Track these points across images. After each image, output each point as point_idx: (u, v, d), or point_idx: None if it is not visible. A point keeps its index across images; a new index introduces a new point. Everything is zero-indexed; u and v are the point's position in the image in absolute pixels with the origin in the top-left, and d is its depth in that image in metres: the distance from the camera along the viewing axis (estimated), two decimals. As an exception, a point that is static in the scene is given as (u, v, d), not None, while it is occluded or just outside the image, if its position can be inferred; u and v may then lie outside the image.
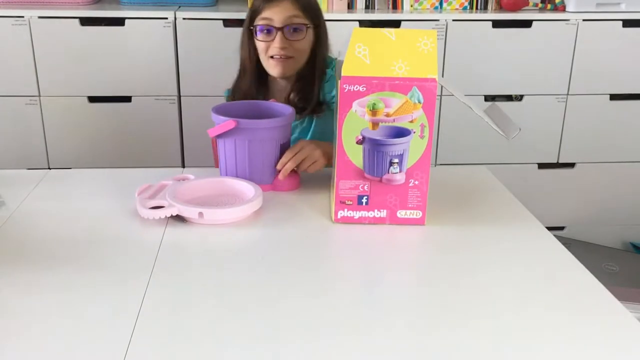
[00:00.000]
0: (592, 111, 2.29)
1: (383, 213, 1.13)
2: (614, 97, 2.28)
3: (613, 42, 2.21)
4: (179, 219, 1.12)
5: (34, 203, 1.20)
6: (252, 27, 1.49)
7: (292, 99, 1.50)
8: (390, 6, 2.25)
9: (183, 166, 2.19)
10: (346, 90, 1.06)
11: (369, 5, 2.25)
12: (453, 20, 2.14)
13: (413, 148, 1.09)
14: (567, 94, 2.26)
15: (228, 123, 1.20)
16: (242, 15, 2.08)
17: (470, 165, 1.74)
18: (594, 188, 2.38)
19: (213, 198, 1.19)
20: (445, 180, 1.34)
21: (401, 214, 1.13)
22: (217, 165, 1.59)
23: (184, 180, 1.24)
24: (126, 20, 2.06)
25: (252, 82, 1.53)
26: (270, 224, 1.13)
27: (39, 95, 2.11)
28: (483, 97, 2.20)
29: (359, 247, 1.07)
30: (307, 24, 1.48)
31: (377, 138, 1.09)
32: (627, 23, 2.20)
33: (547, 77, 2.23)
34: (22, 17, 2.03)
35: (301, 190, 1.28)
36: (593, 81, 2.25)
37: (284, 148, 1.29)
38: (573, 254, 1.03)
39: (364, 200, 1.12)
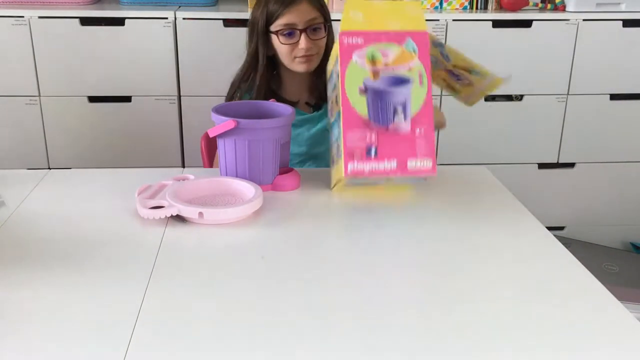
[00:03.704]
0: (592, 111, 2.29)
1: (393, 164, 1.12)
2: (614, 97, 2.28)
3: (613, 42, 2.21)
4: (179, 219, 1.12)
5: (34, 203, 1.20)
6: (271, 32, 1.52)
7: (315, 94, 1.58)
8: (390, 6, 2.25)
9: (183, 166, 2.19)
10: (345, 42, 1.13)
11: (369, 5, 2.25)
12: (453, 20, 2.14)
13: (415, 96, 1.13)
14: (567, 94, 2.26)
15: (228, 123, 1.20)
16: (242, 15, 2.10)
17: (470, 165, 1.74)
18: (594, 188, 2.38)
19: (213, 198, 1.19)
20: (445, 180, 1.34)
21: (411, 164, 1.12)
22: (205, 165, 1.61)
23: (184, 180, 1.24)
24: (126, 20, 2.06)
25: (266, 80, 1.56)
26: (270, 224, 1.13)
27: (39, 95, 2.11)
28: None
29: (360, 247, 1.07)
30: (324, 22, 1.54)
31: (380, 87, 1.13)
32: (627, 23, 2.20)
33: (547, 77, 2.23)
34: (22, 17, 2.03)
35: (301, 190, 1.28)
36: (593, 81, 2.25)
37: (284, 148, 1.29)
38: (573, 254, 1.03)
39: (372, 152, 1.12)
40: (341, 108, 1.13)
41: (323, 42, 1.55)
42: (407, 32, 1.14)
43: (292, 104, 1.58)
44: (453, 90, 1.41)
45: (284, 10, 1.50)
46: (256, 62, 1.57)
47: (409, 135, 1.12)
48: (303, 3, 1.51)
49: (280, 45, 1.52)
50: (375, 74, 1.13)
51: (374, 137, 1.12)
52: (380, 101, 1.12)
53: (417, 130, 1.13)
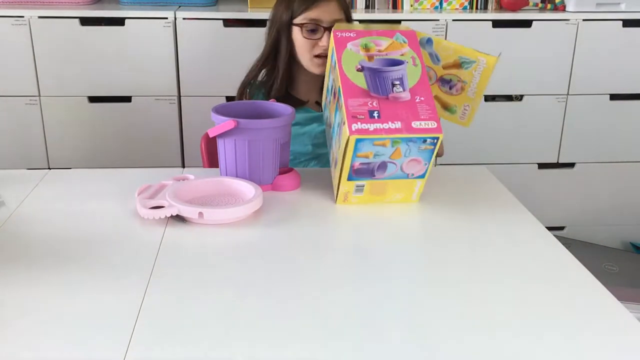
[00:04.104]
0: (592, 111, 2.29)
1: (398, 124, 1.12)
2: (614, 97, 2.28)
3: (613, 42, 2.21)
4: (179, 219, 1.12)
5: (34, 203, 1.20)
6: (295, 24, 1.52)
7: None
8: (390, 6, 2.25)
9: (183, 166, 2.19)
10: (339, 35, 1.22)
11: (369, 5, 2.25)
12: (453, 20, 2.14)
13: (410, 74, 1.18)
14: (567, 94, 2.26)
15: (228, 123, 1.20)
16: (242, 15, 2.10)
17: (470, 165, 1.74)
18: (594, 188, 2.38)
19: (213, 198, 1.19)
20: (445, 180, 1.34)
21: (416, 124, 1.13)
22: (205, 165, 1.61)
23: (184, 180, 1.24)
24: (126, 20, 2.06)
25: (288, 72, 1.57)
26: (270, 224, 1.13)
27: (39, 95, 2.11)
28: (483, 96, 2.19)
29: (360, 247, 1.07)
30: None
31: (376, 66, 1.18)
32: (627, 23, 2.20)
33: (547, 77, 2.23)
34: (22, 17, 2.03)
35: (301, 190, 1.28)
36: (593, 81, 2.25)
37: (284, 148, 1.29)
38: (573, 254, 1.03)
39: (375, 115, 1.13)
40: (340, 84, 1.16)
41: None
42: (395, 30, 1.23)
43: (302, 103, 1.58)
44: (447, 110, 1.39)
45: (312, 5, 1.50)
46: (275, 56, 1.56)
47: (410, 102, 1.15)
48: (332, 1, 1.51)
49: (301, 39, 1.52)
50: (370, 58, 1.19)
51: (375, 103, 1.14)
52: (378, 77, 1.17)
53: (417, 98, 1.16)
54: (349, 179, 1.17)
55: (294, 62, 1.57)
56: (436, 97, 1.35)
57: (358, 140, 1.11)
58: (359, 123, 1.11)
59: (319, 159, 1.58)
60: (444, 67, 1.32)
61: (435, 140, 1.13)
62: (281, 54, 1.55)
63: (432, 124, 1.12)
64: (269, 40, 1.58)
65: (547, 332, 0.82)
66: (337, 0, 1.52)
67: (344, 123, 1.13)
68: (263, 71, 1.60)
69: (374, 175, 1.17)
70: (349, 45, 1.20)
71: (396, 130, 1.11)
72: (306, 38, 1.51)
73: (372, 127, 1.11)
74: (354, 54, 1.19)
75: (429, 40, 1.30)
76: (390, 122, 1.12)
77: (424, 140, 1.13)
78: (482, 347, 0.79)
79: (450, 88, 1.34)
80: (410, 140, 1.12)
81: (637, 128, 2.33)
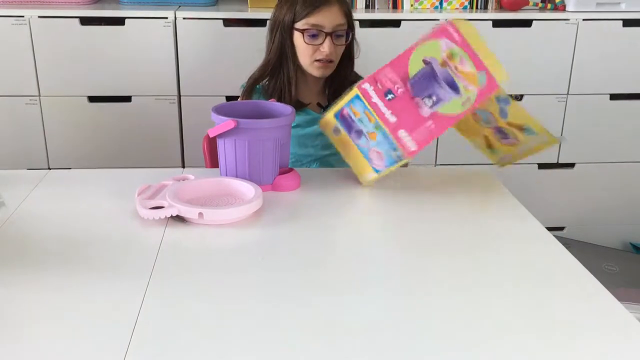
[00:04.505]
0: (592, 111, 2.29)
1: (393, 119, 1.20)
2: (614, 97, 2.28)
3: (613, 42, 2.21)
4: (179, 219, 1.12)
5: (34, 203, 1.20)
6: (296, 29, 1.51)
7: (326, 96, 1.60)
8: (391, 6, 2.25)
9: (183, 166, 2.19)
10: (448, 29, 1.18)
11: (369, 5, 2.25)
12: (453, 20, 2.13)
13: (449, 105, 1.18)
14: (567, 94, 2.26)
15: (228, 123, 1.20)
16: (242, 15, 2.10)
17: (470, 165, 1.74)
18: (594, 188, 2.38)
19: (213, 198, 1.19)
20: (445, 180, 1.34)
21: (402, 134, 1.20)
22: (207, 166, 1.61)
23: (184, 180, 1.24)
24: (126, 20, 2.06)
25: (290, 81, 1.55)
26: (270, 224, 1.13)
27: (39, 95, 2.11)
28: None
29: (360, 247, 1.07)
30: (349, 30, 1.54)
31: (435, 72, 1.18)
32: (627, 23, 2.20)
33: (547, 77, 2.23)
34: (22, 17, 2.03)
35: (301, 190, 1.28)
36: (593, 81, 2.25)
37: (284, 148, 1.29)
38: (573, 254, 1.03)
39: (389, 96, 1.20)
40: (401, 54, 1.20)
41: (342, 49, 1.54)
42: (488, 69, 1.17)
43: (303, 105, 1.58)
44: (490, 149, 1.38)
45: (314, 10, 1.49)
46: (281, 59, 1.55)
47: (422, 118, 1.18)
48: (334, 6, 1.50)
49: (302, 44, 1.51)
50: (443, 64, 1.18)
51: (401, 90, 1.18)
52: (426, 81, 1.18)
53: (430, 123, 1.18)
54: (335, 115, 1.27)
55: (295, 64, 1.56)
56: (485, 137, 1.36)
57: (357, 96, 1.21)
58: (371, 87, 1.19)
59: (321, 161, 1.58)
60: (508, 124, 1.31)
61: (402, 158, 1.21)
62: (288, 59, 1.54)
63: (412, 146, 1.19)
64: (273, 44, 1.55)
65: (547, 332, 0.82)
66: (340, 5, 1.51)
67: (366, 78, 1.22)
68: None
69: (350, 133, 1.26)
70: (444, 40, 1.18)
71: (385, 120, 1.19)
72: (308, 44, 1.50)
73: (376, 99, 1.19)
74: (438, 49, 1.18)
75: (506, 101, 1.29)
76: (389, 112, 1.17)
77: (394, 149, 1.20)
78: (482, 347, 0.79)
79: (503, 138, 1.33)
80: (387, 137, 1.20)
81: (637, 128, 2.33)
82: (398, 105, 1.19)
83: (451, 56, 1.18)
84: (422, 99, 1.18)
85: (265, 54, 1.59)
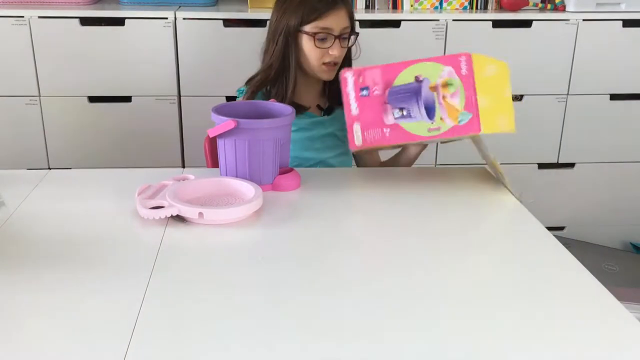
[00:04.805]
0: (592, 111, 2.29)
1: (355, 110, 1.24)
2: (614, 97, 2.28)
3: (613, 42, 2.21)
4: (179, 219, 1.12)
5: (34, 203, 1.20)
6: (305, 32, 1.50)
7: (327, 99, 1.62)
8: (390, 6, 2.25)
9: (183, 166, 2.19)
10: (462, 57, 1.19)
11: (369, 5, 2.25)
12: (453, 20, 2.14)
13: (414, 125, 1.20)
14: (567, 94, 2.26)
15: (228, 123, 1.20)
16: (242, 15, 2.10)
17: (470, 165, 1.74)
18: (594, 188, 2.38)
19: (213, 198, 1.19)
20: (445, 181, 1.34)
21: (356, 127, 1.24)
22: (209, 165, 1.60)
23: (184, 180, 1.24)
24: (126, 20, 2.06)
25: (293, 85, 1.55)
26: (270, 224, 1.13)
27: (39, 95, 2.11)
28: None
29: (360, 247, 1.07)
30: (354, 33, 1.55)
31: (417, 89, 1.19)
32: (627, 23, 2.20)
33: (547, 77, 2.23)
34: (22, 17, 2.03)
35: (301, 190, 1.28)
36: (593, 81, 2.25)
37: (284, 148, 1.29)
38: (573, 254, 1.03)
39: (364, 92, 1.23)
40: (399, 61, 1.21)
41: (345, 51, 1.55)
42: (479, 114, 1.19)
43: (304, 108, 1.57)
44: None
45: (324, 14, 1.48)
46: (284, 64, 1.53)
47: (382, 121, 1.22)
48: (342, 10, 1.50)
49: (310, 47, 1.50)
50: (433, 88, 1.19)
51: (377, 92, 1.21)
52: (407, 94, 1.20)
53: (387, 129, 1.22)
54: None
55: (298, 68, 1.55)
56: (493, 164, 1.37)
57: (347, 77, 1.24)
58: (352, 78, 1.23)
59: (323, 163, 1.58)
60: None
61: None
62: (291, 63, 1.53)
63: (358, 141, 1.24)
64: (276, 47, 1.53)
65: (547, 332, 0.82)
66: (347, 9, 1.52)
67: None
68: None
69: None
70: (448, 68, 1.18)
71: (348, 111, 1.23)
72: (318, 47, 1.50)
73: (350, 89, 1.23)
74: (438, 72, 1.18)
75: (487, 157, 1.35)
76: (356, 104, 1.23)
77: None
78: (482, 347, 0.79)
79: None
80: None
81: (637, 128, 2.33)
82: (367, 102, 1.22)
83: (446, 85, 1.18)
84: (393, 108, 1.21)
85: (262, 59, 1.58)
